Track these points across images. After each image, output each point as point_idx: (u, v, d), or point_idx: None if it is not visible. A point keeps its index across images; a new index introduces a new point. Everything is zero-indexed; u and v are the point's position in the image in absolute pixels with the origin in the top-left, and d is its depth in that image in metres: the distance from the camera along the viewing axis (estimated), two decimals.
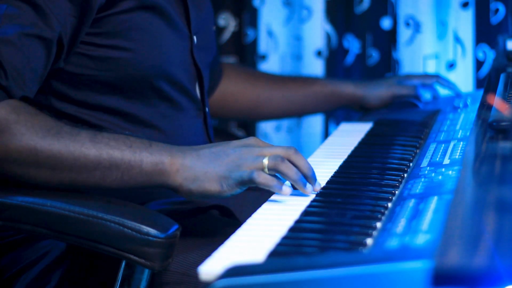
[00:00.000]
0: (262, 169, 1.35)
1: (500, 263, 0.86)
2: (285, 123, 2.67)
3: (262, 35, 2.64)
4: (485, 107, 1.56)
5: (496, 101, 1.51)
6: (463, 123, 1.74)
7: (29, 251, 1.54)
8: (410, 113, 1.98)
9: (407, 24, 2.42)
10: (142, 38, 1.55)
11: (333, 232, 1.19)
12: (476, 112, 1.62)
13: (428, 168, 1.44)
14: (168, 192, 1.41)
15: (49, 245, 1.53)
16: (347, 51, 2.57)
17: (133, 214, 1.36)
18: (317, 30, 2.55)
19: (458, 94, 2.07)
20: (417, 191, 1.31)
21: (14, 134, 1.36)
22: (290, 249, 1.12)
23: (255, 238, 1.18)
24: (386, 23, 2.50)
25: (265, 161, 1.35)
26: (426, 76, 2.16)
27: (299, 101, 2.11)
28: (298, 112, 2.20)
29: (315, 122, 2.62)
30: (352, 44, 2.56)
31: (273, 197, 1.36)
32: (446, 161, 1.45)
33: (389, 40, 2.50)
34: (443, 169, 1.39)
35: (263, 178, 1.33)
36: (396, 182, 1.40)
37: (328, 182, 1.43)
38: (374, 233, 1.15)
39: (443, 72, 2.39)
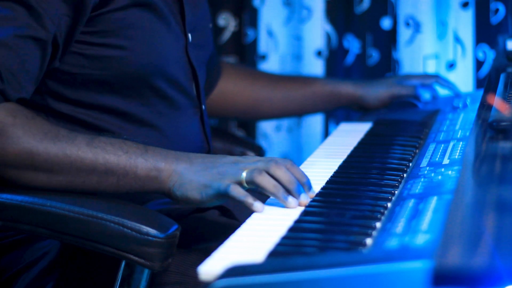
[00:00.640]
0: (241, 183, 1.34)
1: (500, 263, 0.86)
2: (285, 123, 2.67)
3: (262, 35, 2.64)
4: (485, 107, 1.56)
5: (496, 101, 1.50)
6: (462, 123, 1.74)
7: (28, 252, 1.54)
8: (410, 113, 1.98)
9: (407, 24, 2.42)
10: (136, 36, 1.55)
11: (332, 232, 1.19)
12: (476, 112, 1.62)
13: (427, 168, 1.44)
14: None
15: (48, 245, 1.52)
16: (347, 51, 2.57)
17: (133, 214, 1.37)
18: (317, 30, 2.55)
19: (457, 94, 2.07)
20: (417, 191, 1.31)
21: (10, 137, 1.36)
22: (290, 249, 1.12)
23: (254, 238, 1.18)
24: (386, 23, 2.50)
25: (244, 174, 1.34)
26: (426, 76, 2.16)
27: (298, 100, 2.11)
28: (298, 112, 2.20)
29: (315, 122, 2.62)
30: (352, 44, 2.56)
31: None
32: (446, 161, 1.45)
33: (389, 40, 2.50)
34: (443, 169, 1.39)
35: (237, 192, 1.32)
36: (396, 182, 1.40)
37: (327, 182, 1.43)
38: (374, 233, 1.15)
39: (443, 72, 2.39)
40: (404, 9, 2.42)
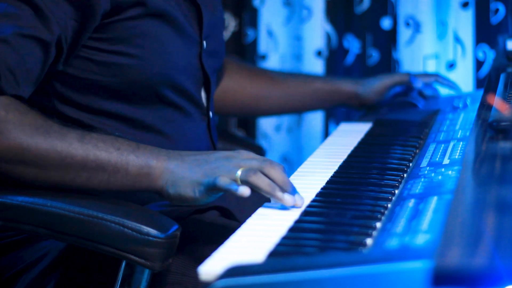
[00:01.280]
0: (236, 181, 1.34)
1: (500, 263, 0.86)
2: (285, 123, 2.67)
3: (262, 35, 2.64)
4: (485, 107, 1.56)
5: (496, 101, 1.51)
6: (462, 123, 1.74)
7: (29, 252, 1.54)
8: (410, 113, 1.98)
9: (407, 24, 2.42)
10: (147, 45, 1.54)
11: (333, 232, 1.19)
12: (476, 112, 1.62)
13: (427, 168, 1.44)
14: None
15: (49, 245, 1.52)
16: (347, 51, 2.57)
17: (133, 215, 1.36)
18: (317, 30, 2.56)
19: (458, 93, 2.07)
20: (417, 191, 1.31)
21: (1, 131, 1.35)
22: (290, 249, 1.12)
23: (255, 238, 1.18)
24: (386, 23, 2.50)
25: (238, 173, 1.34)
26: (426, 75, 2.16)
27: (298, 98, 2.11)
28: (298, 109, 2.21)
29: (315, 122, 2.62)
30: (352, 44, 2.56)
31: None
32: (446, 161, 1.45)
33: (389, 40, 2.50)
34: (443, 169, 1.39)
35: (223, 181, 1.32)
36: (396, 182, 1.40)
37: (328, 182, 1.43)
38: (374, 233, 1.15)
39: (443, 72, 2.39)
40: (404, 9, 2.42)
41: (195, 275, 1.08)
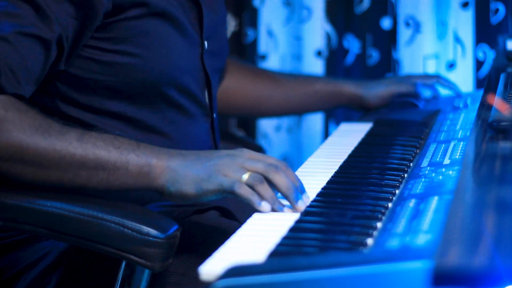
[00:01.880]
0: (239, 181, 1.34)
1: (500, 263, 0.86)
2: (285, 123, 2.67)
3: (262, 35, 2.64)
4: (485, 107, 1.56)
5: (496, 101, 1.51)
6: (463, 123, 1.74)
7: (29, 252, 1.54)
8: (410, 113, 1.98)
9: (407, 24, 2.42)
10: (150, 44, 1.54)
11: (333, 232, 1.19)
12: (476, 112, 1.62)
13: (428, 168, 1.44)
14: None
15: (49, 245, 1.52)
16: (347, 51, 2.57)
17: (133, 215, 1.36)
18: (317, 30, 2.56)
19: (458, 94, 2.08)
20: (418, 191, 1.31)
21: (0, 130, 1.35)
22: (291, 249, 1.12)
23: (255, 238, 1.18)
24: (386, 23, 2.50)
25: (245, 177, 1.33)
26: (427, 76, 2.17)
27: (299, 99, 2.11)
28: (299, 110, 2.21)
29: (315, 122, 2.62)
30: (352, 44, 2.56)
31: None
32: (447, 161, 1.45)
33: (389, 40, 2.50)
34: (444, 169, 1.39)
35: (244, 191, 1.32)
36: (397, 182, 1.40)
37: (328, 182, 1.43)
38: (375, 233, 1.15)
39: (443, 72, 2.39)
40: (404, 9, 2.42)
41: (195, 275, 1.08)
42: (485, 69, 2.36)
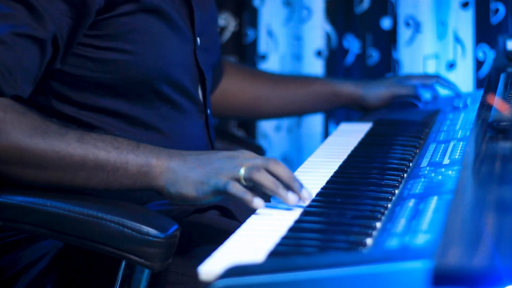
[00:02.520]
0: (239, 179, 1.34)
1: (500, 263, 0.86)
2: (285, 123, 2.67)
3: (262, 35, 2.64)
4: (485, 107, 1.56)
5: (496, 101, 1.51)
6: (463, 123, 1.74)
7: (29, 252, 1.54)
8: (410, 113, 1.98)
9: (407, 24, 2.42)
10: (143, 40, 1.54)
11: (333, 232, 1.19)
12: (476, 112, 1.62)
13: (428, 168, 1.44)
14: None
15: (48, 245, 1.52)
16: (347, 51, 2.57)
17: (133, 214, 1.36)
18: (317, 30, 2.55)
19: (458, 94, 2.07)
20: (417, 191, 1.31)
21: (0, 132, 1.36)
22: (290, 249, 1.12)
23: (255, 238, 1.18)
24: (386, 23, 2.50)
25: (242, 171, 1.34)
26: (426, 76, 2.17)
27: (299, 100, 2.11)
28: (298, 111, 2.21)
29: (315, 122, 2.62)
30: (352, 44, 2.56)
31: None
32: (446, 161, 1.45)
33: (389, 40, 2.50)
34: (443, 169, 1.39)
35: (236, 189, 1.32)
36: (396, 182, 1.40)
37: (328, 182, 1.43)
38: (374, 233, 1.15)
39: (443, 72, 2.39)
40: (404, 9, 2.42)
41: (195, 275, 1.08)
42: (485, 69, 2.36)
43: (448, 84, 2.11)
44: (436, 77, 2.12)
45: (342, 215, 1.24)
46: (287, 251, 1.11)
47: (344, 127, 2.00)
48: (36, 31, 1.43)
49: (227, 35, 2.69)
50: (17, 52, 1.41)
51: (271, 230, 1.19)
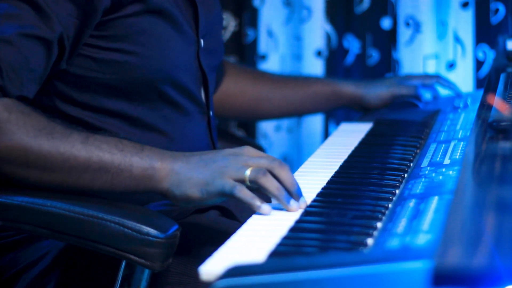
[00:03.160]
0: (244, 180, 1.34)
1: (500, 263, 0.86)
2: (285, 123, 2.67)
3: (262, 35, 2.64)
4: (485, 107, 1.56)
5: (496, 101, 1.51)
6: (463, 123, 1.74)
7: (29, 252, 1.54)
8: (410, 113, 1.98)
9: (407, 24, 2.42)
10: (147, 42, 1.54)
11: (333, 232, 1.19)
12: (476, 112, 1.62)
13: (428, 168, 1.44)
14: None
15: (49, 245, 1.52)
16: (347, 51, 2.57)
17: (133, 215, 1.36)
18: (317, 30, 2.56)
19: (458, 94, 2.08)
20: (418, 191, 1.31)
21: (4, 133, 1.35)
22: (291, 249, 1.12)
23: (255, 238, 1.18)
24: (386, 23, 2.50)
25: (247, 172, 1.33)
26: (427, 76, 2.17)
27: (299, 100, 2.11)
28: (299, 112, 2.20)
29: (315, 122, 2.62)
30: (352, 44, 2.56)
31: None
32: (447, 161, 1.45)
33: (389, 40, 2.50)
34: (444, 169, 1.39)
35: (244, 194, 1.31)
36: (397, 182, 1.40)
37: (328, 182, 1.43)
38: (375, 233, 1.15)
39: (443, 72, 2.39)
40: (404, 9, 2.42)
41: (195, 275, 1.08)
42: (485, 69, 2.36)
43: (448, 84, 2.11)
44: (437, 77, 2.12)
45: (343, 215, 1.24)
46: (287, 251, 1.11)
47: (344, 127, 2.00)
48: (43, 31, 1.43)
49: (227, 35, 2.69)
50: (23, 53, 1.41)
51: (272, 230, 1.19)
